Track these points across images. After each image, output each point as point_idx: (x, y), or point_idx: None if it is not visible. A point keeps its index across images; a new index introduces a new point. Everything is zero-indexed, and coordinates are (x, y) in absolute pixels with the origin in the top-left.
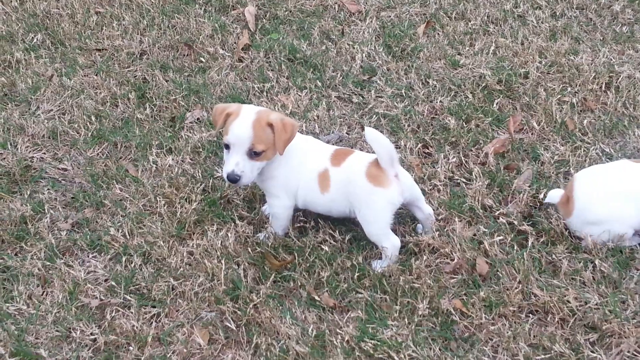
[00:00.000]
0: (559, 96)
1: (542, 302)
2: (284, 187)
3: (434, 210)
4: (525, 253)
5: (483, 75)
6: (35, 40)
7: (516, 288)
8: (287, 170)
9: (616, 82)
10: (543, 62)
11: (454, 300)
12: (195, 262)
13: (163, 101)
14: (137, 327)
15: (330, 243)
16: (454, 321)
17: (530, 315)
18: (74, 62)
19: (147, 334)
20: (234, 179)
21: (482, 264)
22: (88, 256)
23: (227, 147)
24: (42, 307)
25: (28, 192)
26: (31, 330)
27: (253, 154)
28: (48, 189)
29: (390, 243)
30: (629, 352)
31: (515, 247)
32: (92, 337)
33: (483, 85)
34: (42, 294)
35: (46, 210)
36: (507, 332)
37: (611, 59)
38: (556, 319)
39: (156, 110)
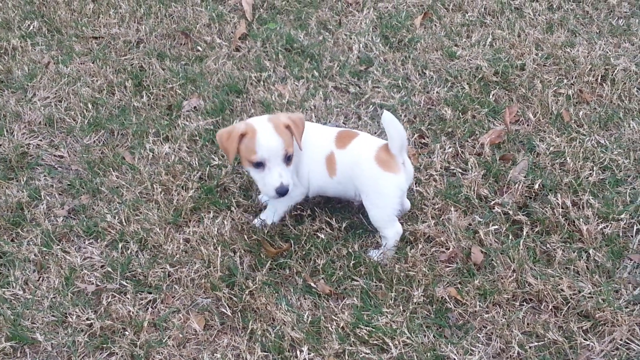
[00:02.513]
0: (555, 88)
1: (536, 291)
2: (297, 175)
3: (429, 199)
4: (520, 242)
5: (480, 66)
6: (31, 27)
7: (510, 277)
8: (296, 159)
9: (612, 75)
10: (539, 54)
11: (448, 288)
12: (191, 250)
13: (160, 89)
14: (133, 313)
15: (327, 231)
16: (449, 309)
17: (524, 303)
18: (71, 49)
19: (143, 319)
20: (285, 191)
21: (477, 253)
22: (84, 242)
23: (259, 164)
24: (38, 293)
25: (24, 179)
26: (27, 315)
27: (287, 160)
28: (44, 176)
29: (394, 230)
30: (621, 340)
31: (510, 237)
32: (88, 322)
33: (479, 76)
34: (38, 280)
35: (42, 197)
36: (501, 320)
37: (607, 52)
38: (550, 307)
39: (153, 99)
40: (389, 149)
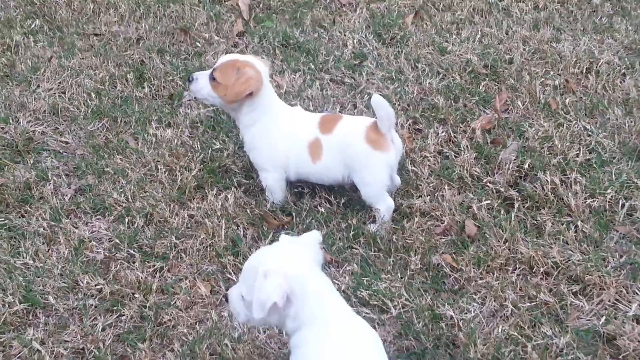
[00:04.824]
0: (542, 79)
1: (527, 258)
2: (270, 161)
3: (424, 178)
4: (512, 215)
5: (470, 60)
6: (33, 25)
7: (503, 246)
8: (270, 143)
9: (596, 67)
10: (527, 49)
11: (444, 255)
12: (195, 225)
13: (161, 81)
14: (141, 278)
15: (326, 206)
16: (445, 275)
17: (516, 269)
18: (72, 45)
19: (152, 283)
20: (189, 77)
21: (470, 226)
22: (91, 219)
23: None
24: (48, 262)
25: (31, 161)
26: (38, 282)
27: (212, 77)
28: (51, 159)
29: (385, 205)
30: (609, 301)
31: (502, 212)
32: (98, 287)
33: (470, 69)
34: (48, 251)
35: (49, 177)
36: (495, 283)
37: (591, 47)
38: (541, 271)
39: (154, 90)
40: (378, 128)
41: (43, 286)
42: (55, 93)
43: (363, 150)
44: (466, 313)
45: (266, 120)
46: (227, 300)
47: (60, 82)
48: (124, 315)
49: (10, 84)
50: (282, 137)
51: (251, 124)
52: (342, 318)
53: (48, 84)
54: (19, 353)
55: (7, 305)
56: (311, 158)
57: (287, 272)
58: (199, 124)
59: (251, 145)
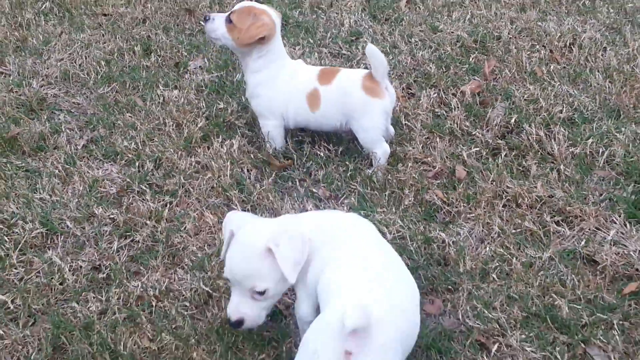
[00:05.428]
0: (529, 52)
1: (513, 195)
2: (268, 109)
3: (417, 131)
4: (499, 160)
5: (460, 36)
6: (43, 7)
7: (490, 186)
8: (271, 92)
9: (579, 41)
10: (514, 27)
11: (436, 191)
12: (202, 169)
13: (167, 52)
14: (152, 208)
15: (325, 152)
16: (437, 209)
17: (502, 200)
18: (82, 24)
19: (162, 211)
20: (205, 16)
21: (460, 170)
22: (104, 164)
23: None
24: (64, 197)
25: (45, 117)
26: (55, 213)
27: (228, 20)
28: (64, 115)
29: (382, 149)
30: (589, 229)
31: (490, 160)
32: (112, 216)
33: (460, 43)
34: (63, 189)
35: (63, 129)
36: (482, 212)
37: (575, 26)
38: (526, 203)
39: (161, 60)
40: (373, 77)
41: (60, 216)
42: (66, 62)
43: (360, 98)
44: (458, 235)
45: (272, 69)
46: (241, 324)
47: (70, 53)
48: (137, 239)
49: (23, 54)
50: (283, 86)
51: (258, 70)
52: (344, 218)
53: (59, 54)
54: (40, 268)
55: (27, 230)
56: (310, 107)
57: (289, 226)
58: (204, 87)
59: (254, 92)
